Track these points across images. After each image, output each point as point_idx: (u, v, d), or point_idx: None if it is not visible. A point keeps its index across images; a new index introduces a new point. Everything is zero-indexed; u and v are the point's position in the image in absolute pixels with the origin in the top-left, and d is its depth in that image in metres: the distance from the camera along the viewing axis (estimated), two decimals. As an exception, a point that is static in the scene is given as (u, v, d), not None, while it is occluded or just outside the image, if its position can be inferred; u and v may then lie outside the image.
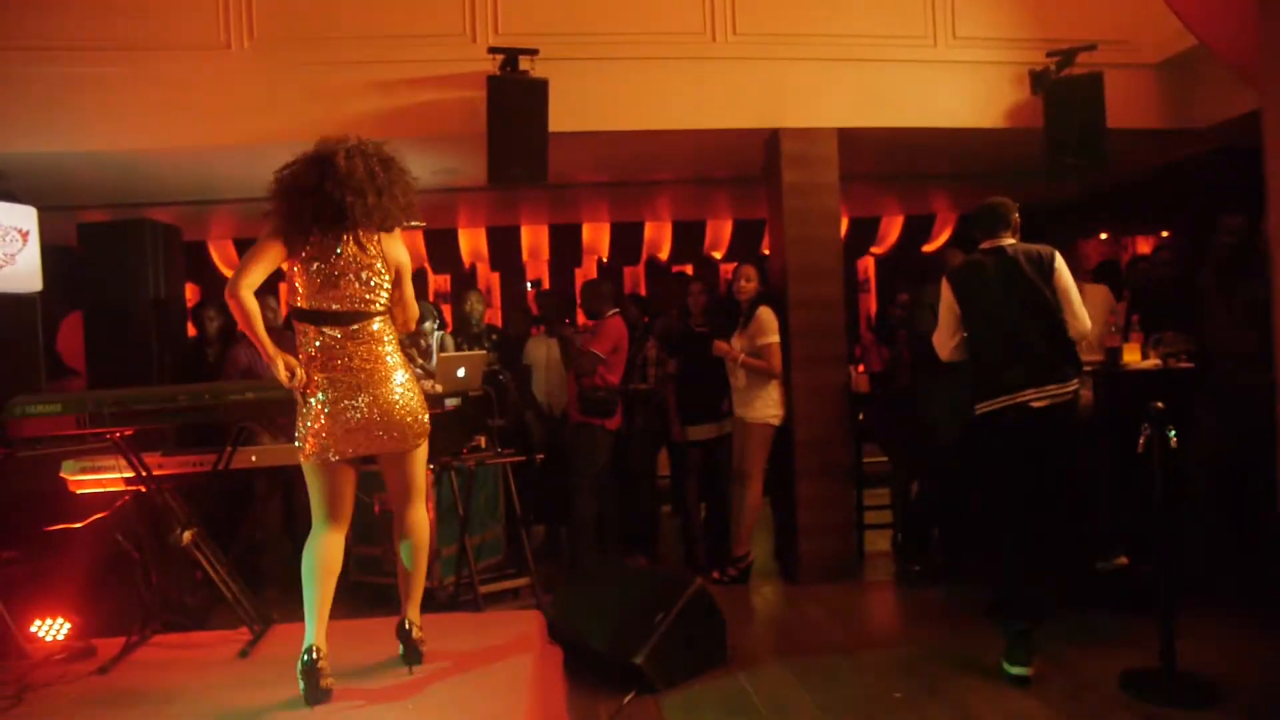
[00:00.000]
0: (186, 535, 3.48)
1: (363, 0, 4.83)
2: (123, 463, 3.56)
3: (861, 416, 5.44)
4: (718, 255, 8.99)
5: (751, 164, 5.55)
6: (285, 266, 2.79)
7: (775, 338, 4.90)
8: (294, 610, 2.82)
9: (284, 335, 3.74)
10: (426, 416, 2.91)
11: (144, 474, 3.54)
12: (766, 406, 4.92)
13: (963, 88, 5.16)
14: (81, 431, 3.31)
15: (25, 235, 4.04)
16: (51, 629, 3.45)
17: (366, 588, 4.78)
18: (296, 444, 2.83)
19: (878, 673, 3.61)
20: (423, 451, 2.96)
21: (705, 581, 3.75)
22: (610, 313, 5.22)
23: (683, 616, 3.44)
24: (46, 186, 5.14)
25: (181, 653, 3.39)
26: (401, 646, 2.99)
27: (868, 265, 10.16)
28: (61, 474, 3.66)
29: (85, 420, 3.15)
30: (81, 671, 3.20)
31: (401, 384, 2.82)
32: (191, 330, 6.31)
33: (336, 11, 4.82)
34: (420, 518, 3.02)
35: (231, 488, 4.49)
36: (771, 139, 5.16)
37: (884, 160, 6.02)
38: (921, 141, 5.47)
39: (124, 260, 5.31)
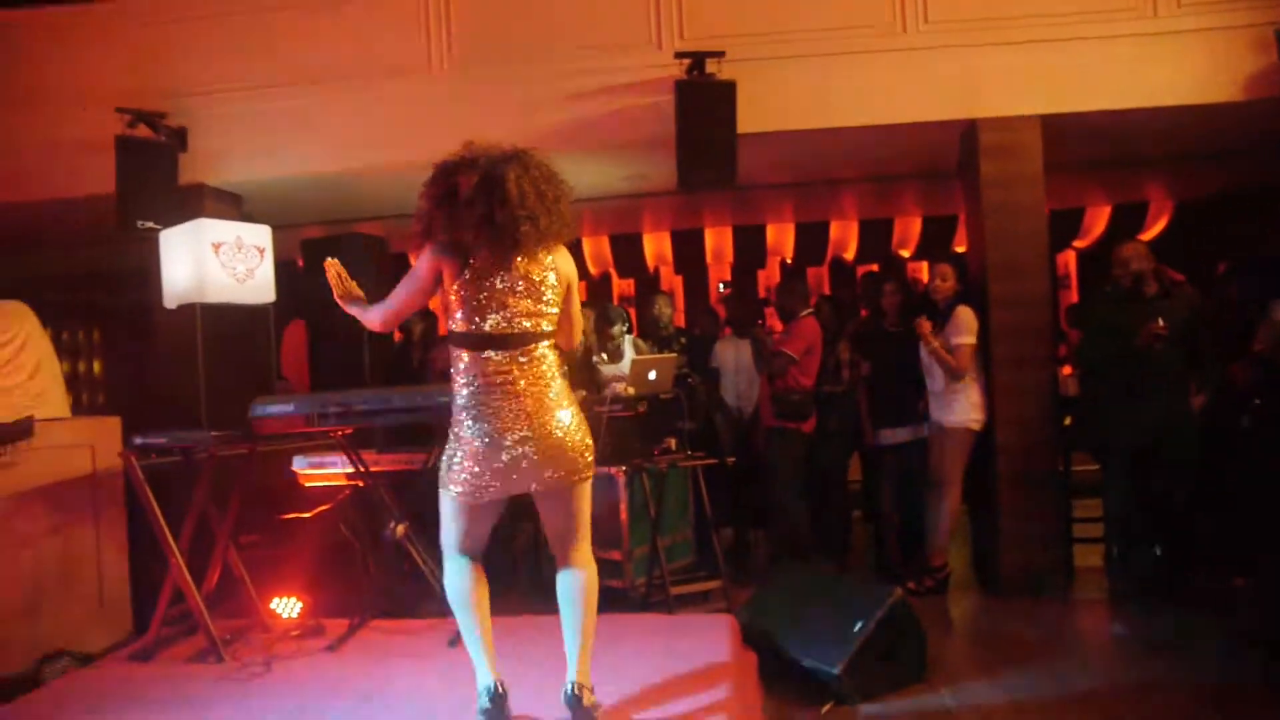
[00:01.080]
0: (400, 528, 3.71)
1: (553, 16, 5.00)
2: (344, 459, 3.85)
3: (1069, 420, 5.07)
4: (906, 253, 8.66)
5: (944, 158, 5.30)
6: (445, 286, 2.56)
7: (972, 339, 4.65)
8: (496, 604, 2.94)
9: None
10: (592, 447, 2.61)
11: (362, 469, 3.82)
12: (966, 410, 4.68)
13: (1187, 59, 4.68)
14: (309, 430, 3.61)
15: (262, 252, 4.45)
16: (288, 607, 3.77)
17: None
18: (442, 478, 2.56)
19: (1100, 708, 3.31)
20: (589, 485, 2.66)
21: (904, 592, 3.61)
22: (804, 313, 5.13)
23: (883, 627, 3.31)
24: (276, 208, 5.65)
25: (397, 637, 3.62)
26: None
27: (1068, 260, 9.47)
28: (293, 468, 4.01)
29: (314, 419, 3.42)
30: (313, 647, 3.49)
31: (571, 413, 2.55)
32: (397, 335, 6.76)
33: (529, 28, 5.02)
34: (589, 556, 2.71)
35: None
36: (968, 130, 4.90)
37: (1090, 146, 5.58)
38: (1135, 124, 5.02)
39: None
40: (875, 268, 8.45)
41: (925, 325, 4.70)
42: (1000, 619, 4.43)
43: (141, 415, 4.34)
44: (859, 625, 3.30)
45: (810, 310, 5.19)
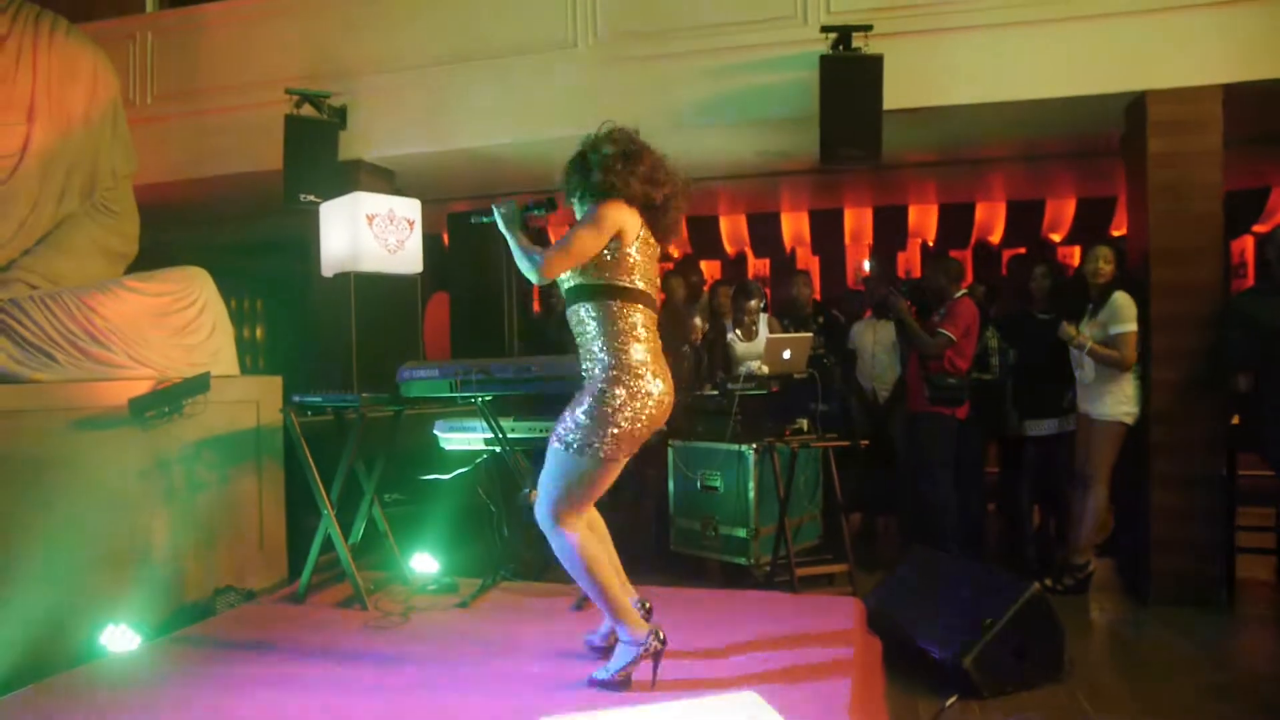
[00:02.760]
0: (533, 495, 3.83)
1: (698, -8, 4.99)
2: (483, 425, 4.00)
3: (1237, 419, 4.71)
4: (1057, 238, 8.21)
5: (1103, 135, 4.99)
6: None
7: (1133, 326, 4.37)
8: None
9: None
10: None
11: (500, 435, 3.96)
12: (1119, 403, 4.41)
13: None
14: (452, 395, 3.76)
15: (411, 224, 4.65)
16: (426, 562, 3.97)
17: (686, 559, 4.96)
18: (584, 439, 2.56)
19: None
20: None
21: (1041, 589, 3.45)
22: (959, 294, 4.94)
23: (1016, 623, 3.19)
24: (426, 182, 5.91)
25: (524, 599, 3.75)
26: None
27: (1245, 246, 8.73)
28: (435, 431, 4.20)
29: (457, 385, 3.57)
30: (447, 603, 3.67)
31: None
32: (536, 307, 6.94)
33: (672, 4, 5.02)
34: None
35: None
36: (1136, 103, 4.58)
37: (1277, 118, 5.10)
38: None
39: (482, 246, 5.95)
40: (1023, 252, 8.06)
41: (1068, 330, 4.46)
42: (1146, 626, 4.18)
43: (300, 378, 4.65)
44: (990, 620, 3.19)
45: (966, 291, 5.00)
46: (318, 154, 5.11)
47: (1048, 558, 5.00)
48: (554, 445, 2.63)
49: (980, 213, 8.08)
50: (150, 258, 4.63)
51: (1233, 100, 4.37)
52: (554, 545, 2.66)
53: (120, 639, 3.22)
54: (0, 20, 4.04)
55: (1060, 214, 7.91)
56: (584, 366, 2.69)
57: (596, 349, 2.62)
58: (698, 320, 5.79)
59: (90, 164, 4.29)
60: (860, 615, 3.45)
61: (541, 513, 2.66)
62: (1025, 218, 7.98)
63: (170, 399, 3.66)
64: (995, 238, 8.26)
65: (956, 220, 8.13)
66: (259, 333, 9.20)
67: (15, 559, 3.12)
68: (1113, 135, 4.95)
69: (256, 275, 8.36)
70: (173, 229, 6.57)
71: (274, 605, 3.75)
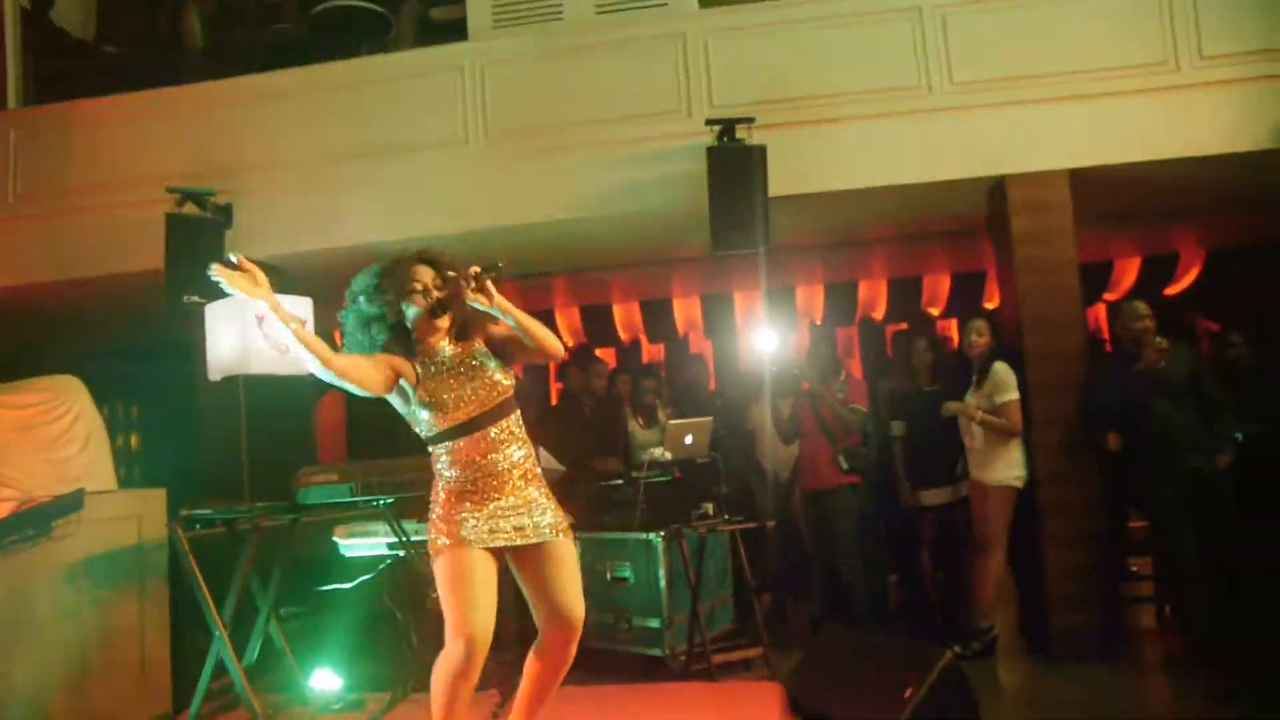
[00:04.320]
0: (435, 597, 3.69)
1: (586, 89, 5.12)
2: (386, 529, 3.86)
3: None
4: (935, 311, 8.64)
5: (972, 215, 5.34)
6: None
7: (1015, 394, 4.62)
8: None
9: None
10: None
11: (405, 539, 3.82)
12: (1008, 468, 4.62)
13: (1215, 111, 4.70)
14: (353, 500, 3.62)
15: (304, 324, 4.54)
16: (328, 679, 3.74)
17: (600, 654, 4.84)
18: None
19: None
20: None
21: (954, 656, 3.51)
22: (843, 375, 5.18)
23: (935, 691, 3.22)
24: (318, 280, 5.75)
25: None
26: None
27: (1098, 314, 9.41)
28: (335, 537, 4.02)
29: (358, 490, 3.44)
30: (354, 723, 3.45)
31: None
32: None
33: (562, 102, 5.15)
34: None
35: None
36: (996, 187, 4.95)
37: (1119, 199, 5.58)
38: (1165, 175, 5.01)
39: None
40: (905, 326, 8.43)
41: (951, 407, 4.70)
42: (1051, 683, 4.30)
43: (182, 488, 4.39)
44: (910, 691, 3.22)
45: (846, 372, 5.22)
46: (202, 253, 4.92)
47: (952, 623, 5.11)
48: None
49: (863, 290, 8.45)
50: (19, 367, 4.34)
51: (1078, 183, 4.78)
52: None
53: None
54: None
55: (937, 289, 8.35)
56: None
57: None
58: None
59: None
60: (780, 700, 3.43)
61: None
62: (905, 294, 8.39)
63: (36, 521, 3.39)
64: (878, 314, 8.63)
65: (841, 299, 8.47)
66: (134, 440, 8.67)
67: None
68: (979, 215, 5.29)
69: (133, 380, 7.92)
70: (41, 334, 6.20)
71: (158, 741, 3.45)
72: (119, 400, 8.31)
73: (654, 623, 4.55)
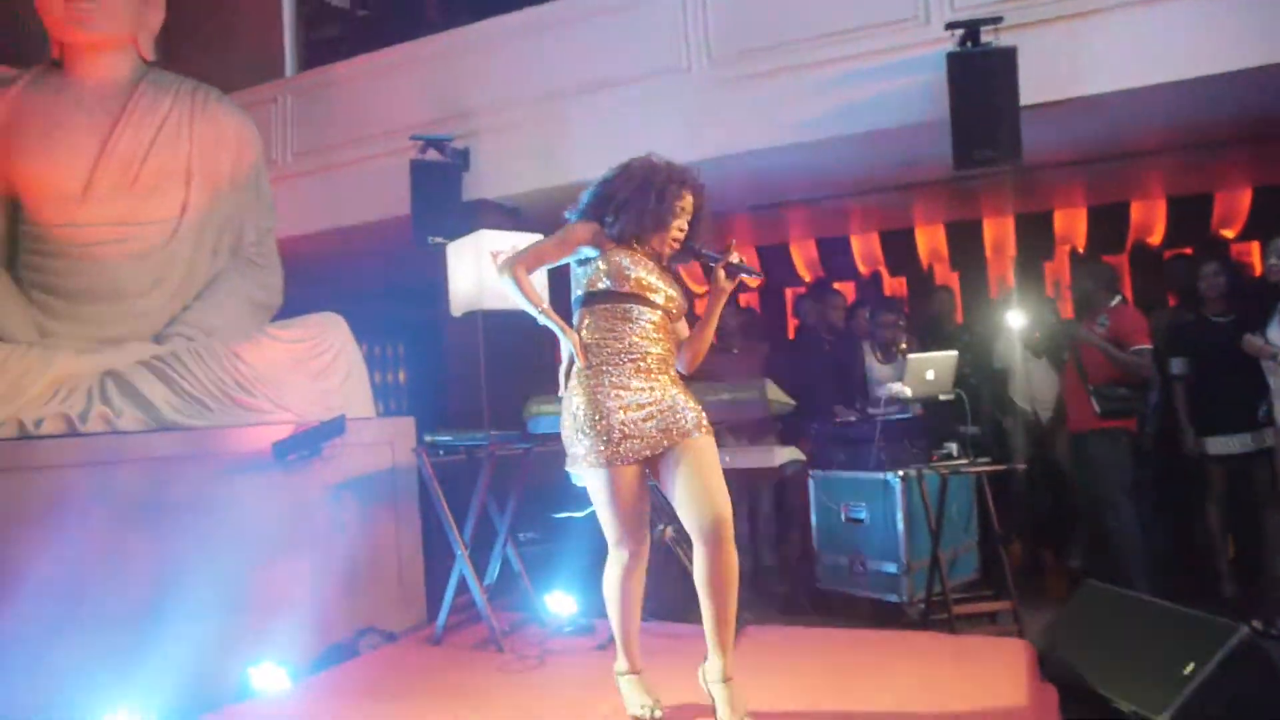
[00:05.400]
0: (667, 531, 3.70)
1: (811, 4, 4.82)
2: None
3: None
4: (1230, 234, 7.46)
5: (1284, 112, 4.49)
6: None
7: (1335, 326, 3.87)
8: (763, 612, 2.82)
9: None
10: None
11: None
12: (1324, 413, 3.90)
13: None
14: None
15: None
16: (561, 603, 3.88)
17: (834, 597, 4.71)
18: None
19: None
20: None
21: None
22: (1114, 301, 4.56)
23: (1224, 671, 2.77)
24: (550, 217, 5.92)
25: (666, 641, 3.59)
26: None
27: None
28: (567, 468, 4.12)
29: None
30: (584, 645, 3.56)
31: None
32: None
33: (785, 19, 4.88)
34: None
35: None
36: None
37: None
38: None
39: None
40: (1188, 252, 7.37)
41: (1253, 342, 4.00)
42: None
43: (437, 418, 4.70)
44: (1191, 666, 2.80)
45: (1121, 298, 4.59)
46: (442, 196, 5.23)
47: (1249, 595, 4.44)
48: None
49: (1136, 213, 7.46)
50: (294, 307, 4.81)
51: None
52: None
53: (271, 678, 3.28)
54: (164, 98, 4.32)
55: (1233, 207, 7.19)
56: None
57: None
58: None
59: (237, 222, 4.51)
60: (1030, 659, 3.11)
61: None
62: (1190, 214, 7.30)
63: (309, 442, 3.74)
64: (1155, 238, 7.59)
65: (1110, 223, 7.53)
66: (401, 376, 9.50)
67: (168, 598, 3.23)
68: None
69: (397, 320, 8.65)
70: (314, 279, 6.87)
71: (414, 646, 3.74)
72: (385, 340, 9.13)
73: (890, 567, 4.34)
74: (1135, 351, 4.41)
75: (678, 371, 2.71)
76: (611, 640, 3.51)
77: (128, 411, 3.65)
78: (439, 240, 4.97)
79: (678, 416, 2.57)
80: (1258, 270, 6.60)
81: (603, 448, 2.54)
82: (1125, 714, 2.88)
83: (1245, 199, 7.10)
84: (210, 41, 6.34)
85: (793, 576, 5.15)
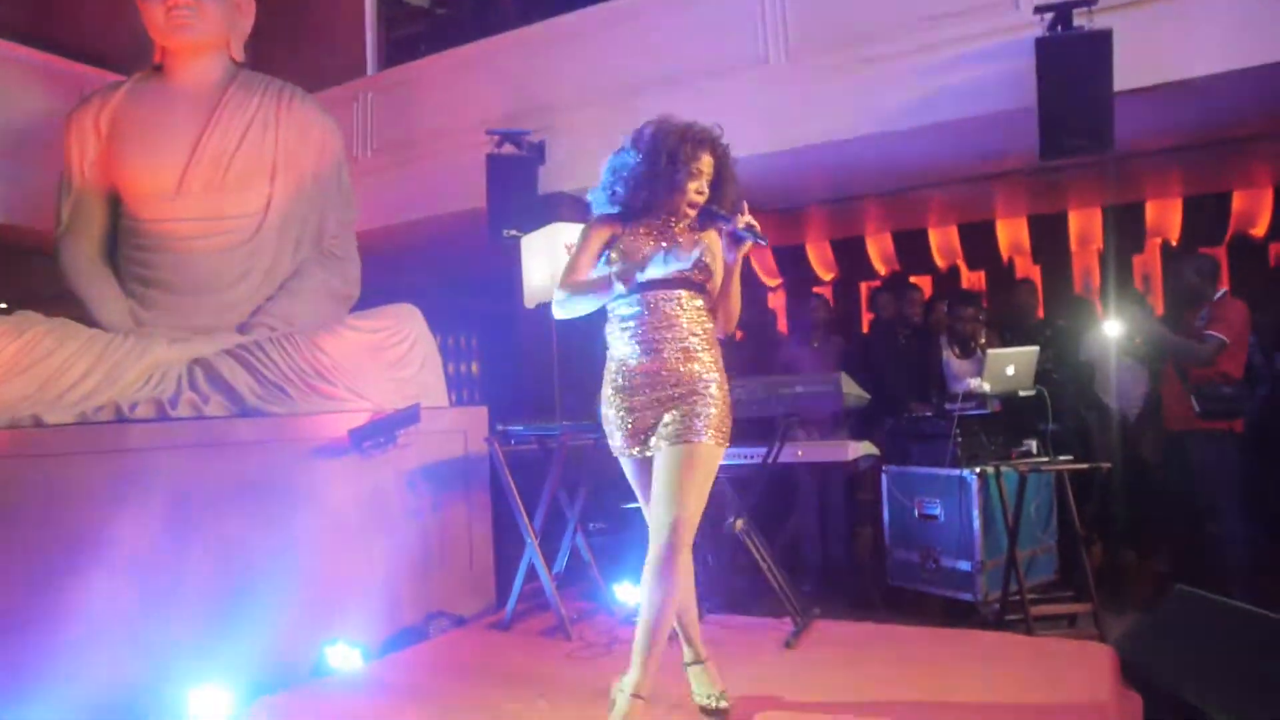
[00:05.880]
0: (738, 523, 3.68)
1: (891, -9, 4.73)
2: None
3: None
4: (1341, 225, 7.05)
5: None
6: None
7: None
8: (832, 607, 2.78)
9: None
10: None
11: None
12: None
13: None
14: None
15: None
16: (629, 593, 3.89)
17: (905, 594, 4.62)
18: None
19: None
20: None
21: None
22: (1219, 293, 4.33)
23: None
24: (624, 210, 5.96)
25: (732, 633, 3.57)
26: None
27: None
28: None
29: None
30: (653, 634, 3.55)
31: None
32: (737, 334, 6.82)
33: (867, 9, 4.79)
34: None
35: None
36: None
37: None
38: None
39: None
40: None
41: None
42: None
43: (510, 409, 4.76)
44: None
45: (1226, 289, 4.37)
46: (518, 190, 5.29)
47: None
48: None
49: (1237, 202, 7.10)
50: (372, 299, 4.94)
51: None
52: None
53: (345, 658, 3.37)
54: (252, 98, 4.50)
55: (1345, 197, 6.80)
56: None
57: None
58: None
59: (319, 216, 4.65)
60: (1112, 664, 3.00)
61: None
62: (1298, 204, 6.92)
63: (385, 429, 3.83)
64: (1259, 229, 7.21)
65: (1204, 212, 7.18)
66: (474, 368, 9.67)
67: (253, 577, 3.35)
68: None
69: (470, 312, 8.80)
70: (392, 271, 7.03)
71: (482, 631, 3.80)
72: (460, 331, 9.30)
73: (964, 565, 4.23)
74: (1205, 338, 4.17)
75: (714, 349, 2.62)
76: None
77: (214, 398, 3.80)
78: (513, 233, 5.03)
79: (688, 420, 2.51)
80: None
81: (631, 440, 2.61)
82: (1216, 725, 2.76)
83: (1360, 187, 6.70)
84: (297, 43, 6.55)
85: (863, 572, 5.07)
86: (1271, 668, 2.73)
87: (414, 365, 4.27)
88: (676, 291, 2.55)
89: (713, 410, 2.52)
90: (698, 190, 2.59)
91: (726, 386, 2.61)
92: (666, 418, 2.53)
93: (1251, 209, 7.08)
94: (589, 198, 2.73)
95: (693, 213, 2.62)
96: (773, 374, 4.87)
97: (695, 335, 2.57)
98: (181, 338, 4.03)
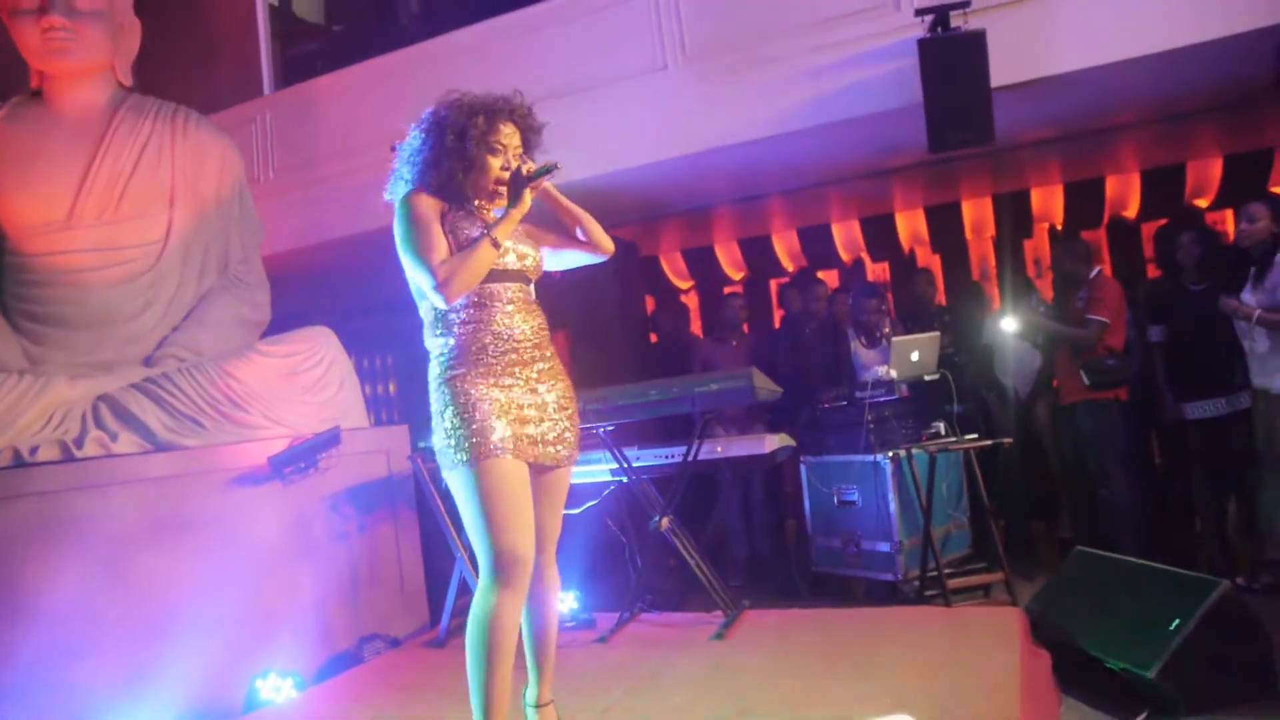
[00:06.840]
0: (664, 522, 3.76)
1: (783, -3, 4.89)
2: (608, 456, 3.96)
3: None
4: (1203, 203, 7.56)
5: (1250, 80, 4.55)
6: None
7: (1307, 288, 3.94)
8: (760, 597, 2.88)
9: None
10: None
11: (625, 465, 3.90)
12: (1301, 372, 3.98)
13: None
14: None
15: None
16: (562, 600, 3.93)
17: (830, 580, 4.78)
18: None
19: None
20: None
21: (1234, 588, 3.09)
22: (1094, 272, 4.64)
23: (1207, 626, 2.86)
24: (529, 219, 5.98)
25: (663, 631, 3.66)
26: None
27: None
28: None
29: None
30: (585, 639, 3.61)
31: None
32: (652, 337, 6.92)
33: (758, 12, 4.93)
34: None
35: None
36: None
37: None
38: None
39: (594, 278, 5.99)
40: (1164, 223, 7.45)
41: (1232, 304, 4.09)
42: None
43: (429, 426, 4.72)
44: (1176, 623, 2.88)
45: (1099, 268, 4.68)
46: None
47: (1229, 554, 4.53)
48: None
49: (1111, 187, 7.55)
50: (283, 324, 4.85)
51: None
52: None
53: (276, 689, 3.32)
54: (143, 122, 4.36)
55: (1205, 176, 7.29)
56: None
57: None
58: None
59: (223, 241, 4.54)
60: (1023, 626, 3.19)
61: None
62: (1164, 185, 7.40)
63: (305, 454, 3.78)
64: (1131, 211, 7.69)
65: (1085, 198, 7.62)
66: (392, 387, 9.53)
67: (174, 616, 3.27)
68: (1263, 78, 4.49)
69: (385, 331, 8.68)
70: (301, 294, 6.90)
71: (418, 651, 3.79)
72: (377, 352, 9.16)
73: (884, 546, 4.40)
74: (1087, 322, 4.49)
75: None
76: (612, 633, 3.59)
77: (123, 435, 3.69)
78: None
79: (563, 434, 2.41)
80: (1231, 238, 6.69)
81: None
82: (1116, 672, 2.97)
83: (1217, 168, 7.20)
84: (187, 64, 6.37)
85: (788, 561, 5.21)
86: (1155, 612, 2.96)
87: (331, 387, 4.23)
88: (514, 284, 2.41)
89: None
90: (503, 167, 2.39)
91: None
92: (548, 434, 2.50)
93: (1123, 193, 7.54)
94: (386, 197, 2.53)
95: (504, 190, 2.41)
96: (689, 373, 4.98)
97: (543, 338, 2.49)
98: (83, 374, 3.89)
